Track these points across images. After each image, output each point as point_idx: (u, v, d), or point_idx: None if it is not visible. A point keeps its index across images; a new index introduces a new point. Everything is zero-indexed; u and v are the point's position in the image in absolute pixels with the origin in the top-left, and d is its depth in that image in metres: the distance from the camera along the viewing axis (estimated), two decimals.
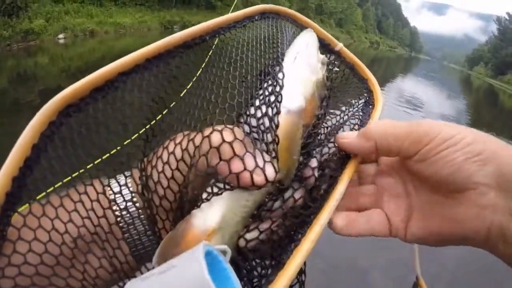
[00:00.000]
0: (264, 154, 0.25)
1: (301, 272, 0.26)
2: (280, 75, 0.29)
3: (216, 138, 0.24)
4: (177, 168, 0.24)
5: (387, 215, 0.30)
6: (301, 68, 0.31)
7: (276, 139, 0.25)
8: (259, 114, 0.26)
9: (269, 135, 0.25)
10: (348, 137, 0.30)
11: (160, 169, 0.25)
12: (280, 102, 0.27)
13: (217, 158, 0.23)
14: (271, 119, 0.25)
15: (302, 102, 0.28)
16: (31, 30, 9.68)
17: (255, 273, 0.26)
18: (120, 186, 0.25)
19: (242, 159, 0.23)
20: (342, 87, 0.38)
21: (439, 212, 0.27)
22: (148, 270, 0.26)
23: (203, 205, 0.24)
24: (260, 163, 0.24)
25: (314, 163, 0.28)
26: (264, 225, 0.26)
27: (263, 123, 0.26)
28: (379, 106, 0.37)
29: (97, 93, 0.22)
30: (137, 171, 0.26)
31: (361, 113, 0.36)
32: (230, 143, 0.23)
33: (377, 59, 31.10)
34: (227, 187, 0.24)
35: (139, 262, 0.27)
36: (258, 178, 0.24)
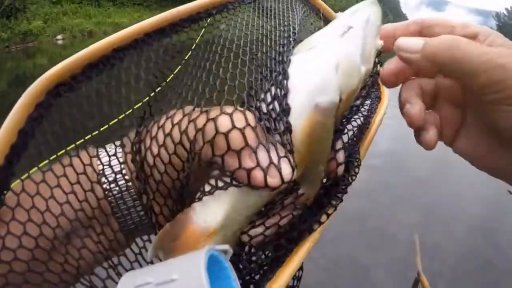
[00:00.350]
0: (279, 146, 0.20)
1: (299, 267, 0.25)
2: (286, 49, 0.25)
3: (224, 122, 0.19)
4: (175, 153, 0.21)
5: (440, 118, 0.29)
6: (350, 49, 0.24)
7: (289, 126, 0.21)
8: (268, 98, 0.22)
9: (281, 123, 0.21)
10: (412, 51, 0.26)
11: (155, 151, 0.21)
12: (286, 80, 0.22)
13: (223, 147, 0.19)
14: (280, 103, 0.21)
15: (336, 97, 0.22)
16: (29, 31, 9.70)
17: (254, 265, 0.25)
18: (115, 174, 0.23)
19: (255, 152, 0.19)
20: None
21: (489, 147, 0.27)
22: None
23: (205, 198, 0.21)
24: (275, 159, 0.20)
25: (341, 157, 0.24)
26: (272, 220, 0.23)
27: (273, 109, 0.21)
28: (385, 100, 0.35)
29: (91, 70, 0.20)
30: (130, 155, 0.23)
31: (367, 106, 0.34)
32: (242, 130, 0.19)
33: None
34: (234, 182, 0.21)
35: (129, 239, 0.25)
36: (273, 180, 0.19)
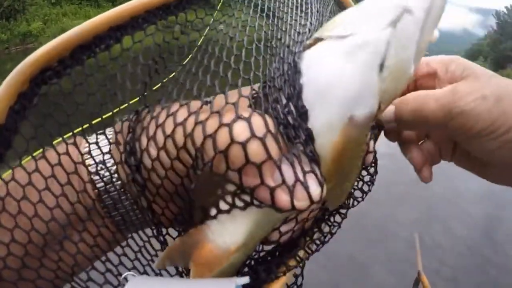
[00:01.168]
0: (303, 158, 0.16)
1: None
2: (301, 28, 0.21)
3: (241, 130, 0.15)
4: (178, 158, 0.18)
5: (435, 144, 0.32)
6: (404, 44, 0.17)
7: (310, 133, 0.17)
8: (283, 99, 0.17)
9: (300, 129, 0.17)
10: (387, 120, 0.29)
11: (153, 154, 0.18)
12: (299, 76, 0.17)
13: (240, 160, 0.16)
14: (295, 105, 0.17)
15: (375, 106, 0.17)
16: (29, 32, 9.72)
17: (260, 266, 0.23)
18: (112, 174, 0.20)
19: (278, 167, 0.16)
20: None
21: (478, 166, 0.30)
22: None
23: (222, 217, 0.18)
24: (300, 175, 0.16)
25: (371, 145, 0.22)
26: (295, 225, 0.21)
27: (289, 111, 0.17)
28: None
29: (81, 52, 0.17)
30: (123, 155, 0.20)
31: None
32: (262, 140, 0.15)
33: None
34: (255, 202, 0.17)
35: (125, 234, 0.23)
36: (300, 204, 0.16)
